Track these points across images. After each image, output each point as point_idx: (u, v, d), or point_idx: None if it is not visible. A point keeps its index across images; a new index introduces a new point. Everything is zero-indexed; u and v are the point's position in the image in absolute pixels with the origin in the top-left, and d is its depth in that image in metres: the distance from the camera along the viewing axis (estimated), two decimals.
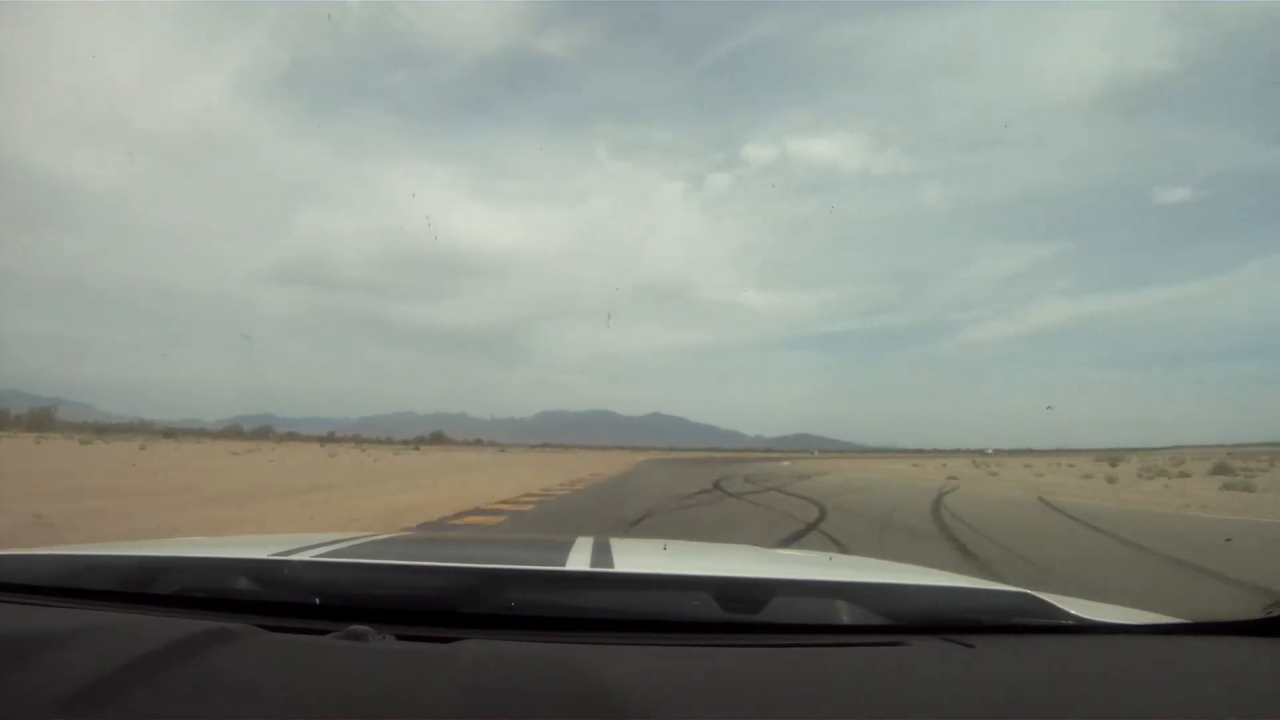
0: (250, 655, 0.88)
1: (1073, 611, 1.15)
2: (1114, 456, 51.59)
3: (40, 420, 67.83)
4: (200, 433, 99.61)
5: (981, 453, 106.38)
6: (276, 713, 0.74)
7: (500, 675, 0.83)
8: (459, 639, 0.95)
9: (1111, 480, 23.18)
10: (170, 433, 79.79)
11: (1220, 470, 26.44)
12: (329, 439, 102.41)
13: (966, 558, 6.90)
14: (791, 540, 8.09)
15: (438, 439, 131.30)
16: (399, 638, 0.97)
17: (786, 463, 55.65)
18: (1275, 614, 1.11)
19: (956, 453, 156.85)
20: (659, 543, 1.84)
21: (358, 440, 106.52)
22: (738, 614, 1.07)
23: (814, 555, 2.34)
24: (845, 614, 1.10)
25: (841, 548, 7.41)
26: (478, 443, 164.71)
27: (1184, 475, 25.35)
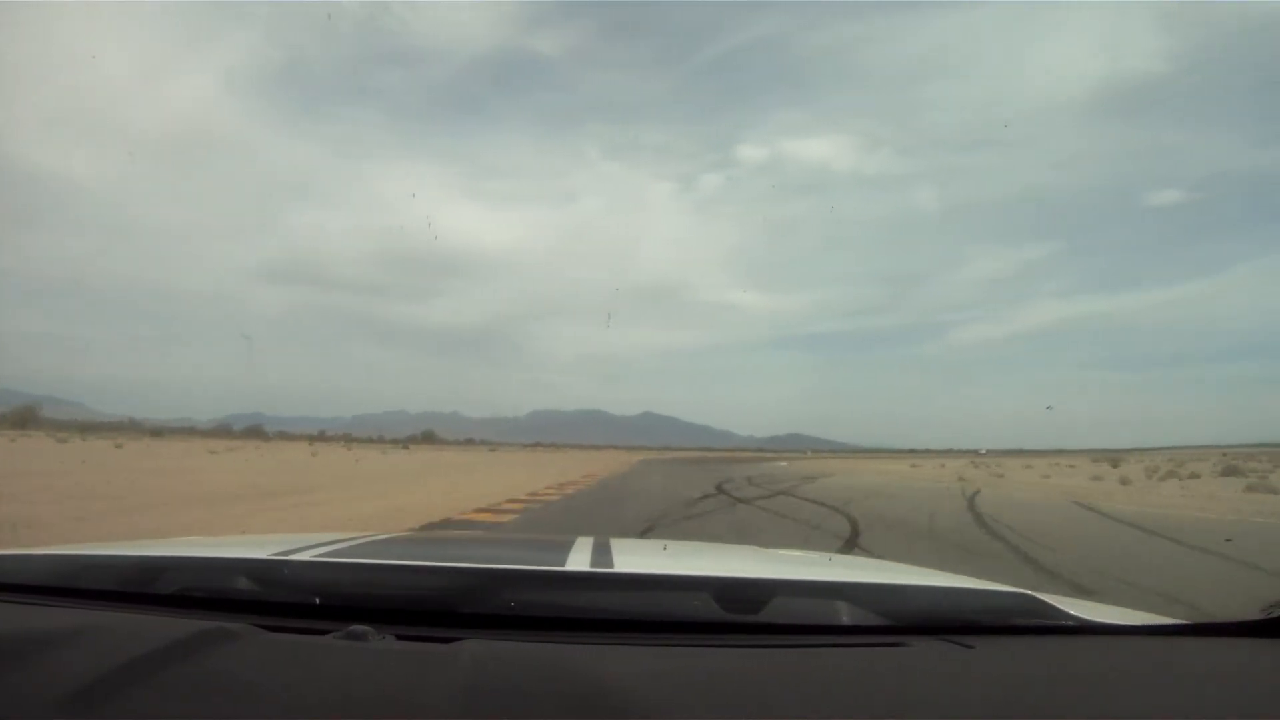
0: (250, 655, 0.88)
1: (1072, 612, 1.15)
2: (1112, 457, 51.25)
3: (25, 418, 66.57)
4: (189, 432, 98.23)
5: (975, 453, 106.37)
6: (276, 713, 0.74)
7: (500, 675, 0.83)
8: (459, 639, 0.94)
9: (1125, 482, 22.22)
10: (159, 432, 78.66)
11: (1230, 472, 25.96)
12: (319, 438, 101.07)
13: (1051, 578, 5.62)
14: None
15: (428, 438, 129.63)
16: (399, 638, 0.96)
17: (783, 463, 54.82)
18: (1275, 614, 1.11)
19: (948, 453, 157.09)
20: (659, 543, 1.93)
21: (347, 439, 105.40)
22: (738, 614, 1.07)
23: (814, 555, 2.23)
24: (845, 614, 1.09)
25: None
26: (469, 442, 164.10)
27: (1194, 476, 24.58)
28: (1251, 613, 1.13)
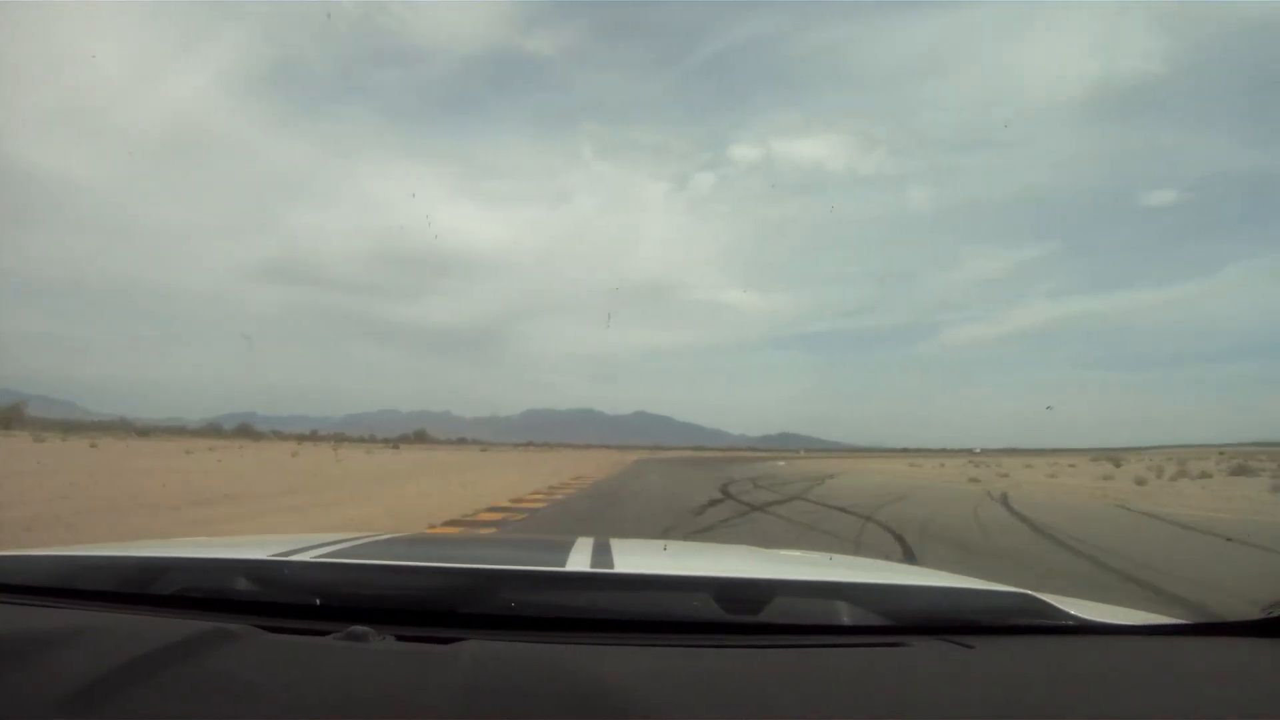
0: (250, 656, 0.88)
1: (1072, 612, 1.15)
2: (1110, 456, 50.54)
3: (9, 418, 64.91)
4: (179, 431, 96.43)
5: (969, 452, 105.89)
6: (276, 713, 0.74)
7: (500, 675, 0.84)
8: (459, 639, 0.95)
9: (1140, 482, 21.30)
10: (146, 431, 77.06)
11: (1240, 471, 25.70)
12: (309, 437, 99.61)
13: (1193, 611, 4.47)
14: None
15: (420, 437, 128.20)
16: (399, 638, 0.97)
17: (781, 463, 54.04)
18: (1275, 614, 1.11)
19: (943, 452, 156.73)
20: (659, 543, 1.90)
21: (337, 439, 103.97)
22: (738, 614, 1.07)
23: (814, 555, 2.14)
24: (845, 614, 1.09)
25: None
26: (461, 441, 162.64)
27: (1205, 476, 23.95)
28: (1252, 612, 1.14)
